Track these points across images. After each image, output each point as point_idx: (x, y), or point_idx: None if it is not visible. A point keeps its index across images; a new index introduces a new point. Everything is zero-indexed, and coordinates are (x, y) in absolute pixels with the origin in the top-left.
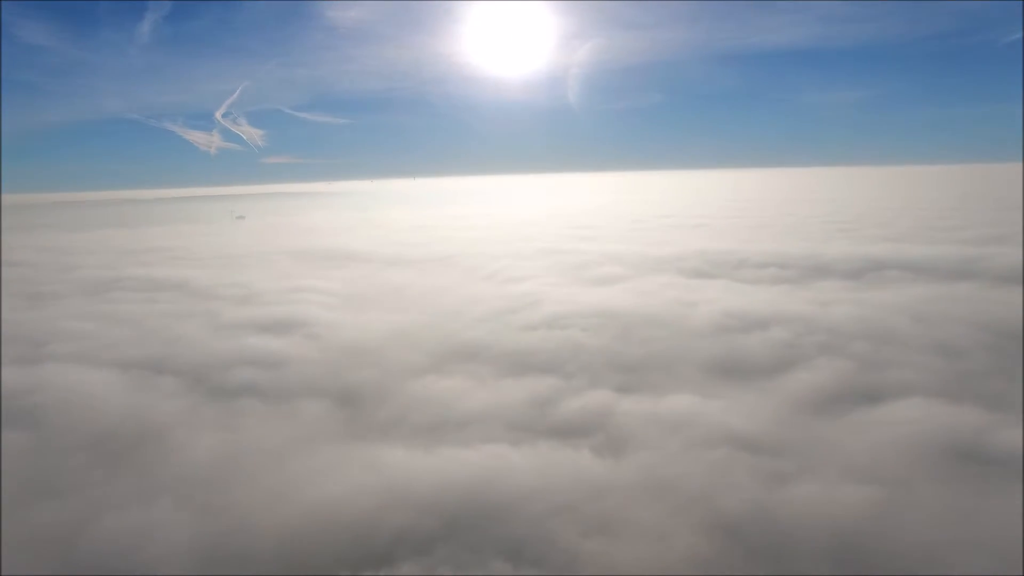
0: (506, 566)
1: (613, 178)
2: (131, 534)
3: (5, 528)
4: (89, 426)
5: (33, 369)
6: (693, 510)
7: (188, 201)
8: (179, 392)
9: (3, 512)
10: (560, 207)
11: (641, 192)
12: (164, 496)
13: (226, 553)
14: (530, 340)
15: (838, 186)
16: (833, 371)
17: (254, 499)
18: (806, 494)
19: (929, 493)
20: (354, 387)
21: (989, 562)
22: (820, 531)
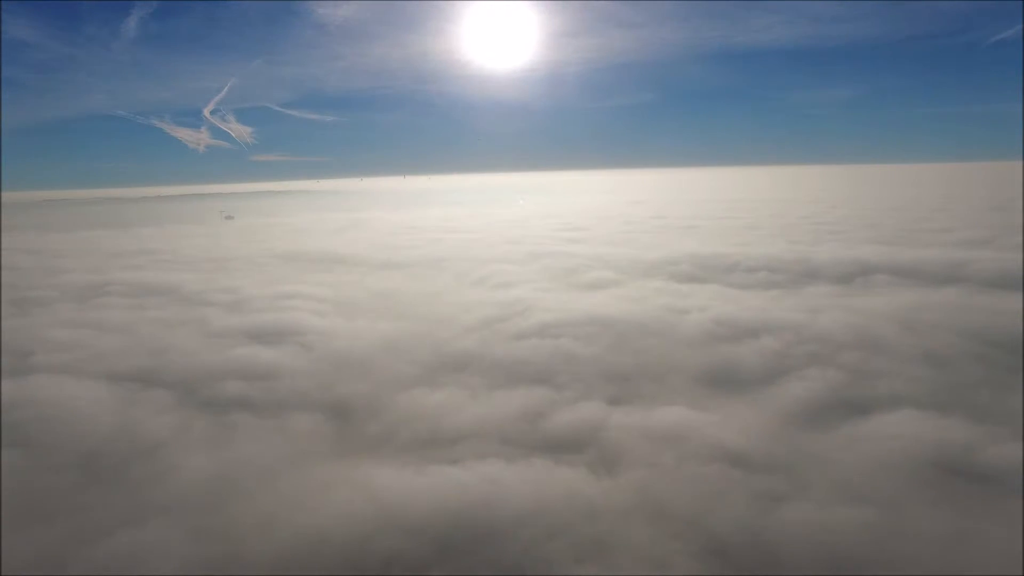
0: None
1: (604, 176)
2: (122, 561)
3: None
4: (78, 443)
5: (18, 382)
6: (689, 534)
7: (176, 199)
8: (170, 406)
9: None
10: (550, 207)
11: (632, 191)
12: (155, 520)
13: None
14: (521, 350)
15: (827, 185)
16: (824, 382)
17: (247, 522)
18: (800, 516)
19: (923, 514)
20: (345, 400)
21: None
22: (816, 558)
